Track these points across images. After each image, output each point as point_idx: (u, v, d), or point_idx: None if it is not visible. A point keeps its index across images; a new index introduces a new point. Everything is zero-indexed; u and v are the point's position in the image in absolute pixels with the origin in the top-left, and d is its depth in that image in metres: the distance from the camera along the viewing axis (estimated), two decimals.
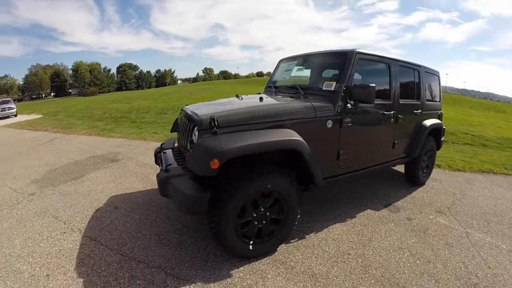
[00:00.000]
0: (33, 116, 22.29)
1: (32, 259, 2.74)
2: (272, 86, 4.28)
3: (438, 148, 5.11)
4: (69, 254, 2.78)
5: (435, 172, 5.61)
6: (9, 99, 29.44)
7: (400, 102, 3.97)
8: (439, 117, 5.07)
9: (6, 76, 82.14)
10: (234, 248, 2.58)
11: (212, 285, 2.37)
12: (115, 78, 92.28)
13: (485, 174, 5.79)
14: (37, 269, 2.59)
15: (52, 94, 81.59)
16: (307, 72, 4.12)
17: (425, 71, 4.61)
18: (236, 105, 3.04)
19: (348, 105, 3.17)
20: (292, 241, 3.08)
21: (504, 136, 10.15)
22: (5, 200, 4.20)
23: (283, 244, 2.96)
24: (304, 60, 4.18)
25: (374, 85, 3.01)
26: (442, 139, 5.15)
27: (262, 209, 2.61)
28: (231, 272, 2.53)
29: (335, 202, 4.13)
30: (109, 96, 42.93)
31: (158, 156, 3.45)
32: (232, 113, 2.74)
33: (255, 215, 2.59)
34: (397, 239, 3.22)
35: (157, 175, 2.70)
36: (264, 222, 2.66)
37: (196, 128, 2.60)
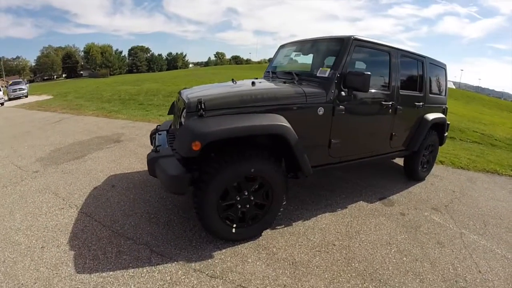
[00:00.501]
0: (44, 97, 22.72)
1: (30, 232, 2.86)
2: (270, 71, 4.21)
3: (441, 143, 4.96)
4: (64, 228, 2.91)
5: (437, 168, 5.48)
6: (21, 80, 30.02)
7: (400, 93, 3.82)
8: (444, 111, 4.88)
9: (18, 57, 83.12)
10: (216, 230, 2.60)
11: (193, 264, 2.42)
12: (127, 61, 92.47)
13: (489, 174, 5.61)
14: (34, 241, 2.71)
15: (63, 75, 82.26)
16: (306, 58, 4.02)
17: (430, 63, 4.42)
18: (227, 89, 3.00)
19: (342, 92, 3.08)
20: (278, 227, 3.07)
21: None
22: (10, 177, 4.35)
23: (268, 230, 2.96)
24: (302, 46, 4.07)
25: (369, 73, 2.90)
26: (446, 134, 4.99)
27: (246, 193, 2.61)
28: (213, 253, 2.56)
29: (329, 192, 4.07)
30: (119, 78, 43.29)
31: (153, 137, 3.46)
32: (219, 96, 2.75)
33: (238, 198, 2.59)
34: (386, 233, 3.15)
35: (147, 155, 2.74)
36: (248, 206, 2.65)
37: (185, 110, 2.62)
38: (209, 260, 2.48)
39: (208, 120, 2.42)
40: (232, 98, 2.69)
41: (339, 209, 3.58)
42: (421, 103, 4.22)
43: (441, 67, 4.82)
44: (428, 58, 4.39)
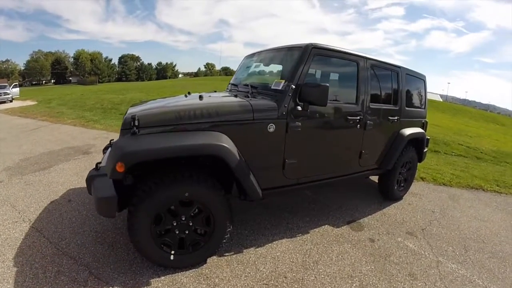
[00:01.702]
0: (28, 103, 22.37)
1: None
2: (231, 83, 3.94)
3: (420, 160, 4.59)
4: (13, 243, 2.83)
5: (417, 186, 5.13)
6: (6, 84, 29.46)
7: (371, 106, 3.47)
8: (423, 125, 4.56)
9: (7, 60, 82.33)
10: (152, 256, 2.40)
11: None
12: (116, 69, 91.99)
13: (473, 190, 5.29)
14: None
15: (52, 81, 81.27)
16: (269, 69, 3.67)
17: (407, 74, 4.09)
18: (169, 104, 2.76)
19: (298, 107, 2.75)
20: (227, 254, 2.77)
21: (501, 150, 9.66)
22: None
23: (215, 257, 2.69)
24: (264, 56, 3.74)
25: (327, 84, 2.58)
26: (425, 150, 4.64)
27: (184, 218, 2.39)
28: (151, 280, 2.37)
29: (292, 214, 3.67)
30: (106, 86, 42.90)
31: (104, 152, 3.24)
32: (155, 112, 2.51)
33: (175, 223, 2.37)
34: (349, 264, 2.73)
35: (88, 173, 2.58)
36: (187, 232, 2.43)
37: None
38: None
39: (140, 139, 2.20)
40: (168, 114, 2.42)
41: (300, 235, 3.20)
42: (395, 117, 3.86)
43: (420, 78, 4.50)
44: (404, 68, 4.06)
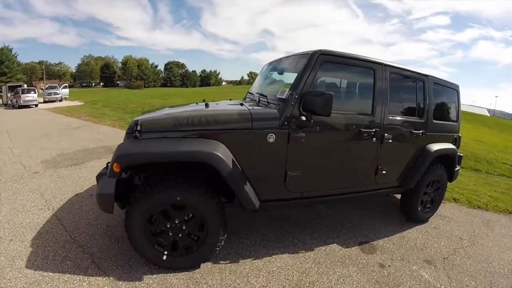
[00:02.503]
0: (76, 103, 24.37)
1: (7, 225, 3.20)
2: (249, 92, 3.94)
3: (450, 179, 4.18)
4: (35, 227, 3.18)
5: (448, 208, 4.68)
6: (56, 85, 32.37)
7: (390, 118, 3.23)
8: (455, 141, 4.17)
9: (60, 63, 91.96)
10: (145, 254, 2.51)
11: (120, 283, 2.38)
12: (162, 74, 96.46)
13: None
14: (6, 233, 3.04)
15: (101, 84, 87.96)
16: (283, 77, 3.57)
17: (435, 83, 3.77)
18: (175, 111, 2.86)
19: (303, 117, 2.62)
20: (222, 262, 2.75)
21: None
22: (14, 175, 4.92)
23: (209, 263, 2.70)
24: (278, 63, 3.67)
25: (331, 93, 2.47)
26: (457, 168, 4.22)
27: (177, 221, 2.46)
28: (144, 276, 2.47)
29: (300, 228, 3.51)
30: (151, 91, 45.17)
31: None
32: (156, 118, 2.66)
33: (169, 225, 2.45)
34: None
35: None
36: (180, 235, 2.49)
37: None
38: (136, 283, 2.39)
39: (140, 143, 2.37)
40: (167, 121, 2.56)
41: (303, 251, 3.04)
42: (420, 131, 3.55)
43: (452, 88, 4.14)
44: (432, 77, 3.75)
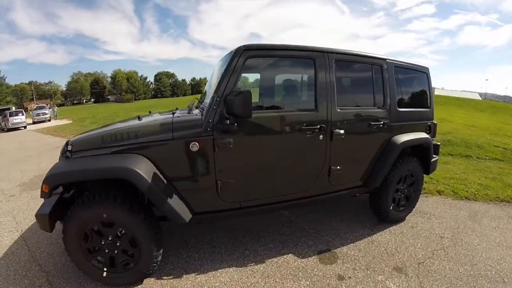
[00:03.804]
0: (64, 122, 24.30)
1: None
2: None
3: (427, 171, 3.72)
4: (2, 249, 3.26)
5: (430, 202, 4.23)
6: (44, 105, 32.53)
7: (338, 111, 2.83)
8: (429, 129, 3.73)
9: (50, 82, 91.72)
10: (85, 270, 2.47)
11: None
12: (152, 86, 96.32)
13: (504, 205, 4.23)
14: None
15: (92, 100, 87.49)
16: None
17: (397, 67, 3.33)
18: (109, 128, 2.84)
19: (227, 121, 2.39)
20: (165, 277, 2.63)
21: None
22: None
23: (153, 278, 2.60)
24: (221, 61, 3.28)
25: (248, 90, 2.31)
26: (434, 159, 3.76)
27: (110, 238, 2.38)
28: None
29: (254, 238, 3.20)
30: (140, 104, 45.34)
31: None
32: (84, 137, 2.66)
33: (103, 242, 2.39)
34: None
35: None
36: (116, 251, 2.42)
37: None
38: None
39: (69, 162, 2.40)
40: (94, 139, 2.55)
41: (252, 264, 2.76)
42: (380, 122, 3.12)
43: (420, 71, 3.70)
44: (392, 61, 3.30)
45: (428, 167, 3.67)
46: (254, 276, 2.57)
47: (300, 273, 2.59)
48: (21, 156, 8.89)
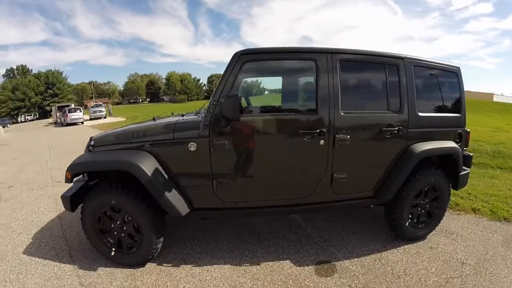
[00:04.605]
0: (118, 119, 26.20)
1: (22, 222, 4.05)
2: None
3: (455, 186, 3.34)
4: (41, 224, 3.94)
5: (461, 221, 3.79)
6: (101, 103, 35.70)
7: (342, 114, 2.70)
8: (459, 137, 3.33)
9: (109, 82, 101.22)
10: (97, 248, 2.84)
11: (79, 270, 2.83)
12: (205, 87, 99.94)
13: None
14: (19, 228, 3.87)
15: (147, 99, 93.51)
16: None
17: (417, 66, 3.03)
18: (126, 127, 3.21)
19: (222, 123, 2.56)
20: (165, 264, 2.89)
21: None
22: (41, 184, 5.94)
23: (155, 263, 2.88)
24: None
25: (236, 94, 2.52)
26: (465, 172, 3.34)
27: (118, 222, 2.71)
28: (99, 268, 2.84)
29: (258, 240, 3.27)
30: (193, 104, 47.09)
31: None
32: (105, 134, 3.06)
33: (113, 225, 2.73)
34: None
35: None
36: (122, 234, 2.74)
37: None
38: (90, 272, 2.79)
39: (89, 155, 2.85)
40: (111, 136, 2.92)
41: (247, 264, 2.84)
42: (396, 128, 2.87)
43: (448, 71, 3.32)
44: (412, 59, 3.01)
45: (456, 181, 3.30)
46: (245, 276, 2.63)
47: (290, 280, 2.55)
48: (74, 149, 9.43)
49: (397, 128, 2.86)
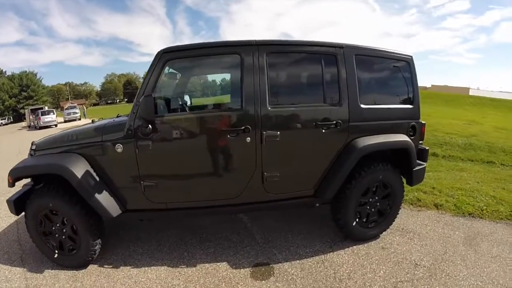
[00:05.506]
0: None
1: None
2: None
3: (410, 182, 3.11)
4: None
5: (422, 218, 3.56)
6: (75, 105, 34.80)
7: (270, 109, 2.55)
8: (413, 130, 3.08)
9: (85, 83, 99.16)
10: (42, 250, 2.79)
11: (28, 273, 2.80)
12: None
13: None
14: None
15: (125, 100, 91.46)
16: None
17: (359, 55, 2.79)
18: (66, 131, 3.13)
19: (144, 123, 2.51)
20: (107, 266, 2.86)
21: None
22: (4, 189, 5.27)
23: (96, 265, 2.85)
24: None
25: (150, 94, 2.41)
26: (420, 167, 3.10)
27: (58, 225, 2.68)
28: (45, 270, 2.81)
29: (200, 241, 3.15)
30: None
31: None
32: (46, 139, 2.97)
33: (53, 228, 2.70)
34: None
35: None
36: (63, 237, 2.71)
37: None
38: (37, 274, 2.77)
39: (30, 159, 2.85)
40: (50, 140, 2.88)
41: (183, 266, 2.76)
42: (333, 122, 2.64)
43: (399, 60, 3.07)
44: (354, 47, 2.79)
45: (410, 177, 3.06)
46: (178, 279, 2.58)
47: (223, 283, 2.46)
48: None
49: (335, 122, 2.63)
